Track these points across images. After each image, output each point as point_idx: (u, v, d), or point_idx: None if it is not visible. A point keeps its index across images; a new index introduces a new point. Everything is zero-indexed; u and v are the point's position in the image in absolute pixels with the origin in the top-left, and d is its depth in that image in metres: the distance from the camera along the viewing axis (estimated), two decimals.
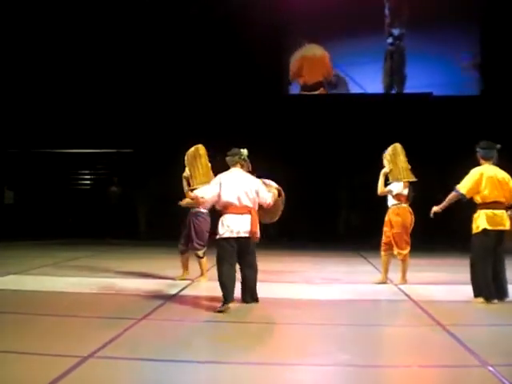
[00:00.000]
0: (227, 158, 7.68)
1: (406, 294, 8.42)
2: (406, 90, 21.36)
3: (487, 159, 7.82)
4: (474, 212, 7.78)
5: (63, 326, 6.34)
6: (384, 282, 9.36)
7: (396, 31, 20.99)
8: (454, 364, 5.13)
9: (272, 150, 18.40)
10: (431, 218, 8.12)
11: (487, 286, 7.61)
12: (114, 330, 5.91)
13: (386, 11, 21.03)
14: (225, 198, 7.37)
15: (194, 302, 7.99)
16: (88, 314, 6.92)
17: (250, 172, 7.71)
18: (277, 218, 8.10)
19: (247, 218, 7.35)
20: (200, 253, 9.43)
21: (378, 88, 21.32)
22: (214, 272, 7.62)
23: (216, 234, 7.51)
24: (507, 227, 7.62)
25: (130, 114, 20.44)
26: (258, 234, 7.43)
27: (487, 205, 7.63)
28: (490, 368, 4.79)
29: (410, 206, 9.36)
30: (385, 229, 9.38)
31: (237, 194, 7.36)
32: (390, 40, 21.08)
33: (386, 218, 9.38)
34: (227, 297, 7.26)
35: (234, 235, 7.32)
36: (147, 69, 20.37)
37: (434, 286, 9.45)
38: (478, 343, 5.61)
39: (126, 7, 20.36)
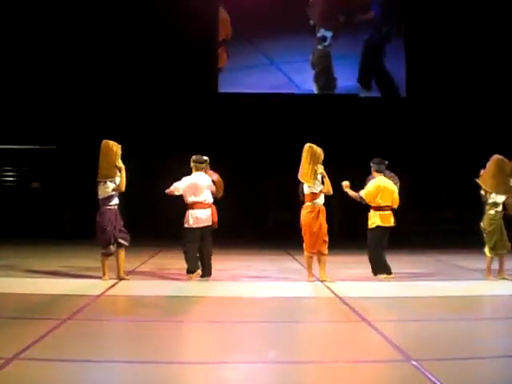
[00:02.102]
0: (195, 164, 9.68)
1: (332, 291, 8.54)
2: (336, 92, 21.52)
3: (379, 172, 10.07)
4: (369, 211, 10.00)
5: None
6: (311, 280, 9.49)
7: (326, 34, 21.15)
8: (380, 359, 5.24)
9: (200, 148, 18.34)
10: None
11: (385, 265, 9.93)
12: (38, 331, 5.76)
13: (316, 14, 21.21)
14: (192, 197, 9.47)
15: (120, 301, 7.92)
16: (10, 315, 6.74)
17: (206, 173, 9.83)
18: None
19: (209, 211, 9.57)
20: (127, 243, 9.43)
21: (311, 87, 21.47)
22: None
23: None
24: (392, 224, 9.94)
25: (54, 108, 19.93)
26: (216, 223, 9.80)
27: (380, 208, 9.87)
28: (414, 363, 4.91)
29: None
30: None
31: (201, 193, 9.49)
32: (319, 43, 21.24)
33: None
34: (193, 268, 9.49)
35: (200, 225, 9.45)
36: (73, 63, 19.87)
37: (359, 282, 9.65)
38: (403, 338, 5.75)
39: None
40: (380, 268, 9.92)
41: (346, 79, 21.14)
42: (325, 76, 21.26)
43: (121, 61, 19.84)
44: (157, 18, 19.70)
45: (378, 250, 9.95)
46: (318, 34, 21.04)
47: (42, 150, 20.78)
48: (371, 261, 10.01)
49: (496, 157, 9.86)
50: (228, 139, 19.67)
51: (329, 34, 21.03)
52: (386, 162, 10.12)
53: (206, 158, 9.84)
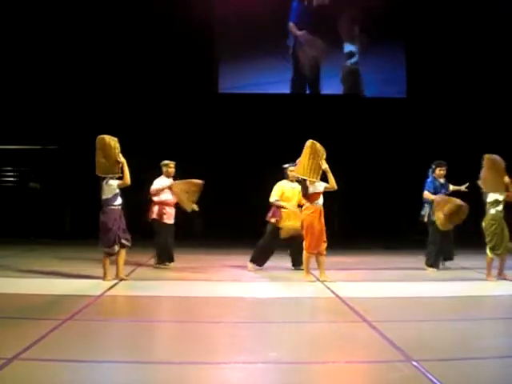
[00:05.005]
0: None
1: (332, 291, 8.54)
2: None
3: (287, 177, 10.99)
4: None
5: None
6: (311, 280, 9.48)
7: (350, 49, 21.08)
8: (380, 359, 5.23)
9: (200, 147, 18.43)
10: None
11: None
12: (38, 331, 5.76)
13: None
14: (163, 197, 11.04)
15: (120, 301, 7.91)
16: (10, 315, 6.73)
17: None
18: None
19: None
20: (129, 244, 9.38)
21: None
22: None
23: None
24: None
25: (55, 109, 19.91)
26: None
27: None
28: (414, 363, 4.91)
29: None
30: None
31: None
32: (345, 59, 21.18)
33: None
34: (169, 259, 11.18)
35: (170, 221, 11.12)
36: (73, 63, 19.84)
37: (359, 282, 9.65)
38: (403, 339, 5.74)
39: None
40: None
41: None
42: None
43: (121, 61, 19.80)
44: (156, 18, 19.67)
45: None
46: (345, 50, 20.99)
47: (42, 150, 20.77)
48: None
49: (488, 156, 9.83)
50: (227, 139, 19.65)
51: (354, 49, 20.97)
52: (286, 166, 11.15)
53: (166, 161, 11.30)
